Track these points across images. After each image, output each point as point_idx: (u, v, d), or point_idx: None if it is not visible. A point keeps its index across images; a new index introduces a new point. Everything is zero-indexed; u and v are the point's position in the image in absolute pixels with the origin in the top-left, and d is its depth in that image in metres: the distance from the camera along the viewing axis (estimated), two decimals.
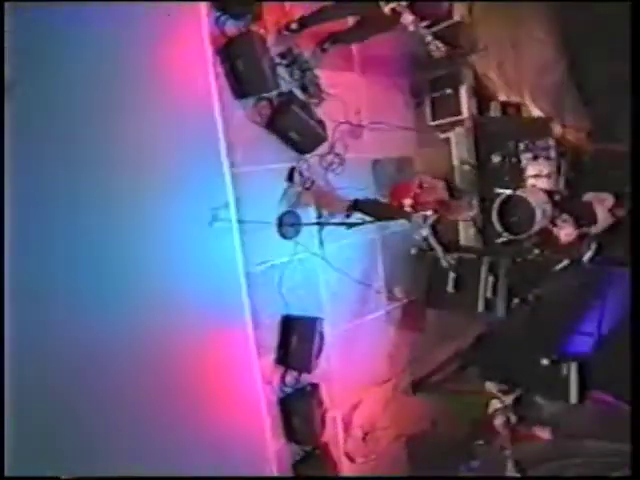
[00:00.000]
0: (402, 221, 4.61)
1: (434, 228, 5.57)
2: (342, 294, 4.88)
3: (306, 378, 4.29)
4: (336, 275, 4.74)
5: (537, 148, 6.04)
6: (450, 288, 5.67)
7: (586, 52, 5.32)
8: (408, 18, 4.05)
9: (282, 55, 4.37)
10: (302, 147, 4.41)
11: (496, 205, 5.75)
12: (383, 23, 4.27)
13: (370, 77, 5.31)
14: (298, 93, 4.44)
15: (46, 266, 2.79)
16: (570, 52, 5.45)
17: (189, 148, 3.54)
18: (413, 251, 5.87)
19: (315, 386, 4.37)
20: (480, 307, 5.46)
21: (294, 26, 4.33)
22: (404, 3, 3.91)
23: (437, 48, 4.15)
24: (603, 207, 5.93)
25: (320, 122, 4.48)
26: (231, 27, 3.92)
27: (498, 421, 4.54)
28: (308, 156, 4.44)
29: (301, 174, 4.41)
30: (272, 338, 4.11)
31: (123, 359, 3.01)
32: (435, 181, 4.71)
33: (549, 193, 5.91)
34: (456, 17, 4.83)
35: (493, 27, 5.45)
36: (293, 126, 4.25)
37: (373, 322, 5.22)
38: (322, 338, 4.45)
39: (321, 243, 4.49)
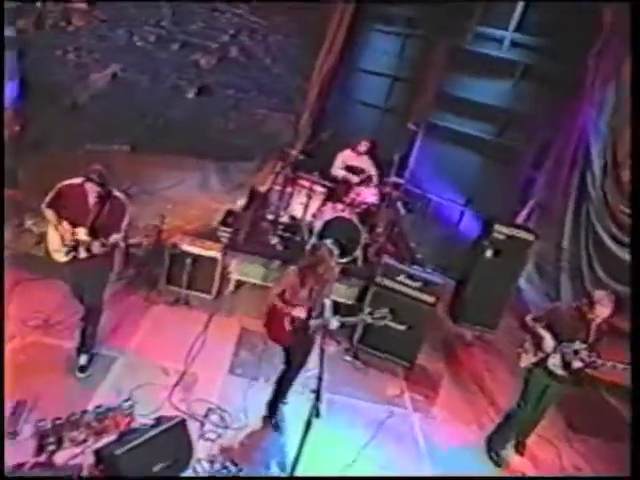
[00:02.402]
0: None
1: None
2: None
3: None
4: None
5: (276, 208, 6.11)
6: (403, 328, 4.91)
7: None
8: None
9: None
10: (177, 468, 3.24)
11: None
12: None
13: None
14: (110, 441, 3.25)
15: None
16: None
17: None
18: (347, 358, 4.98)
19: None
20: (432, 300, 4.96)
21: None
22: None
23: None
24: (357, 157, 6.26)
25: (160, 420, 3.40)
26: None
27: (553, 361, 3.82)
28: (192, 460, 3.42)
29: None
30: None
31: None
32: (285, 277, 3.90)
33: (328, 198, 5.92)
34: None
35: None
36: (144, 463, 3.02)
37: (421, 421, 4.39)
38: None
39: None
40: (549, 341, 3.79)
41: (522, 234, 5.79)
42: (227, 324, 5.09)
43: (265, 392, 4.01)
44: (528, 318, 4.01)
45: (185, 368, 4.26)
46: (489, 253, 5.86)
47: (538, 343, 3.85)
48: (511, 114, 6.73)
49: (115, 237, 3.65)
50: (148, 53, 6.39)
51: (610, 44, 5.68)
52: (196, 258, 5.23)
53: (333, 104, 7.65)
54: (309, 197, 5.86)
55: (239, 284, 5.61)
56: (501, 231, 5.77)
